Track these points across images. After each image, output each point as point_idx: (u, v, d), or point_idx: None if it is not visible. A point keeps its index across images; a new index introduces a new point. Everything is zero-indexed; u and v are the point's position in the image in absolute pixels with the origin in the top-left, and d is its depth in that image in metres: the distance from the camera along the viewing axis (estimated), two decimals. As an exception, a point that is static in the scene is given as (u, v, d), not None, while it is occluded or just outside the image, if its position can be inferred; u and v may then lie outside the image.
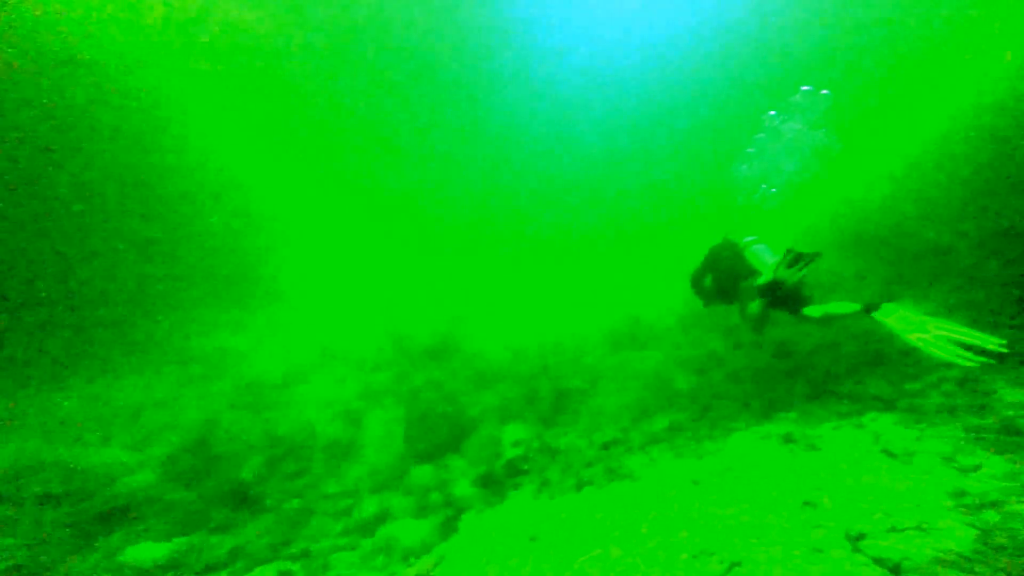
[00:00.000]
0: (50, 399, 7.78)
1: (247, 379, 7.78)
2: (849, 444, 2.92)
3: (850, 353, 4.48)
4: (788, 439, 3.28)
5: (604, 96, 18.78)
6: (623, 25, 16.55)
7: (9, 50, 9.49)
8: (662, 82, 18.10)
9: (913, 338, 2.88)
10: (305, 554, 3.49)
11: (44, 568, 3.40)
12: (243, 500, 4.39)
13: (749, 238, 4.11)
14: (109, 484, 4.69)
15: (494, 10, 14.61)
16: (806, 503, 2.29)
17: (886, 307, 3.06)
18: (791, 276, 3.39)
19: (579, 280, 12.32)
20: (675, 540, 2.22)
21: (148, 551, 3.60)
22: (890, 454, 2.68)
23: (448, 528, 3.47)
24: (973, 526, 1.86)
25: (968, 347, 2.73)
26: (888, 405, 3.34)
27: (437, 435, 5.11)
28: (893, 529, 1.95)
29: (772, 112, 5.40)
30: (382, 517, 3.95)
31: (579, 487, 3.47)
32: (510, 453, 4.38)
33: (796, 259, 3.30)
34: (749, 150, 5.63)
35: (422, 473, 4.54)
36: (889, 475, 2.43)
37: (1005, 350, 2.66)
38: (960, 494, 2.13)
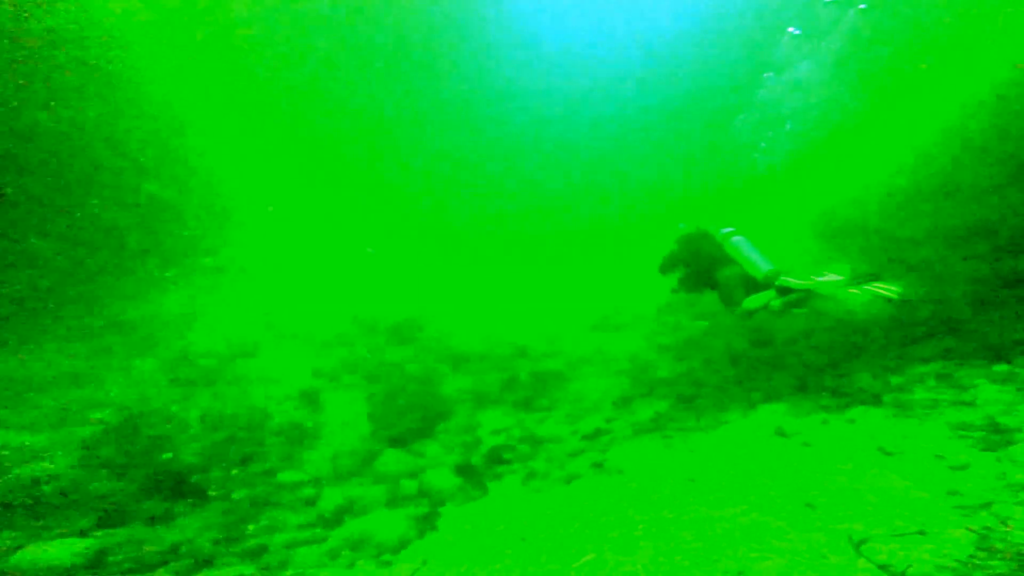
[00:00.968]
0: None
1: (183, 352, 6.95)
2: (842, 441, 2.94)
3: (828, 343, 4.59)
4: (780, 433, 3.27)
5: (582, 82, 18.45)
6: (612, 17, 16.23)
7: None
8: (649, 69, 18.02)
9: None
10: (261, 550, 3.07)
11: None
12: (182, 489, 3.84)
13: (726, 229, 4.35)
14: (7, 471, 3.95)
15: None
16: (807, 505, 2.26)
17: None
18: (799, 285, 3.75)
19: (557, 268, 12.21)
20: (674, 545, 2.11)
21: (61, 549, 3.02)
22: (885, 452, 2.70)
23: (426, 523, 3.17)
24: (971, 530, 1.88)
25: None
26: (875, 400, 3.39)
27: (406, 419, 4.75)
28: (895, 534, 1.93)
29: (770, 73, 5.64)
30: (348, 508, 3.59)
31: (566, 481, 3.31)
32: (490, 441, 4.12)
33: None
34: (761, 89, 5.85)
35: (391, 459, 4.19)
36: (887, 474, 2.43)
37: (896, 296, 3.20)
38: (954, 494, 2.15)
